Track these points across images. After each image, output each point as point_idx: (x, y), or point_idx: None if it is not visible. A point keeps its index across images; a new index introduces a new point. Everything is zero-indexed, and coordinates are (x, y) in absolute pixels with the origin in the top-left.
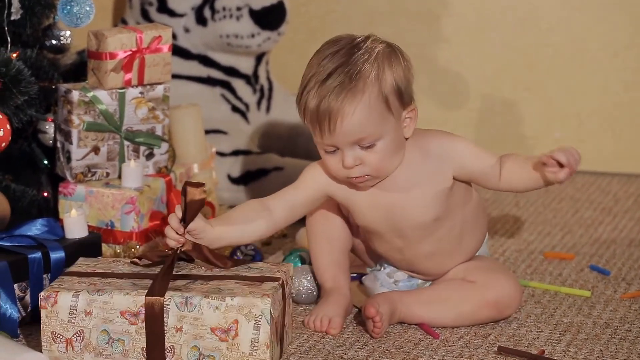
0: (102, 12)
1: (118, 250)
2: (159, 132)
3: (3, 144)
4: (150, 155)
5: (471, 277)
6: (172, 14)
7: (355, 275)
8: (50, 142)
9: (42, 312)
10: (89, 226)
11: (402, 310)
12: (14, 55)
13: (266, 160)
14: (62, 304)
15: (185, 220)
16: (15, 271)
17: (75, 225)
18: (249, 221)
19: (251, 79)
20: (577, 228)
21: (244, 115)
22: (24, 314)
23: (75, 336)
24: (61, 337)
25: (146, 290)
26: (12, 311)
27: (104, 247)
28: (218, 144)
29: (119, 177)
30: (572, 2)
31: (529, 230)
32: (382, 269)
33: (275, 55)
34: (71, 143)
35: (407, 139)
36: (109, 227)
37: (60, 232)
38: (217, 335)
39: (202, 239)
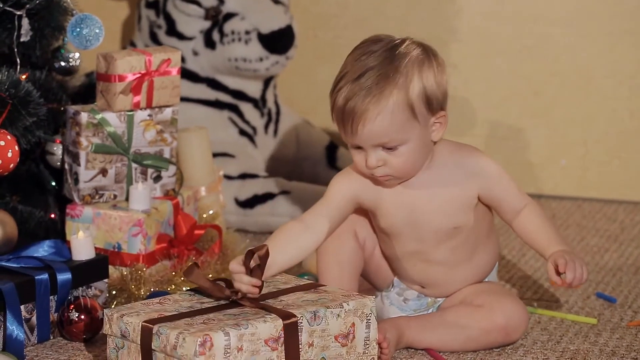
0: (111, 35)
1: (125, 273)
2: (166, 154)
3: (11, 165)
4: (157, 178)
5: (478, 301)
6: (180, 37)
7: None
8: (58, 163)
9: (201, 359)
10: (95, 248)
11: (409, 335)
12: (23, 76)
13: (273, 184)
14: (218, 345)
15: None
16: (21, 292)
17: (82, 247)
18: (294, 244)
19: (259, 103)
20: (583, 255)
21: (251, 138)
22: (30, 335)
23: None
24: None
25: (271, 315)
26: (19, 332)
27: (111, 269)
28: (225, 167)
29: (127, 199)
30: (578, 30)
31: (535, 257)
32: (392, 288)
33: (283, 79)
34: (79, 165)
35: (435, 142)
36: (116, 250)
37: (67, 254)
38: (339, 342)
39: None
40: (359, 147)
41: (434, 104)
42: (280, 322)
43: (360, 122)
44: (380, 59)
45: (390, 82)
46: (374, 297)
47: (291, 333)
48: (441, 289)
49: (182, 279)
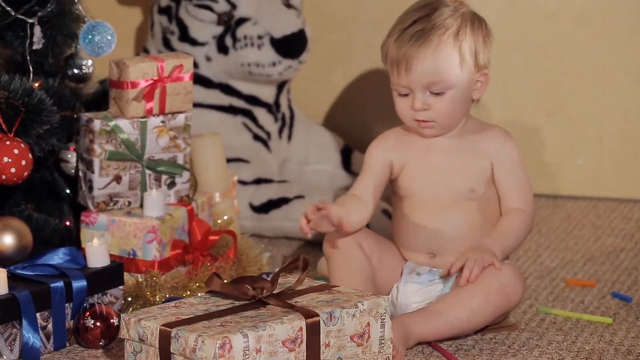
0: (124, 41)
1: (140, 279)
2: (180, 161)
3: (25, 174)
4: (172, 184)
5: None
6: (193, 42)
7: None
8: (73, 171)
9: None
10: (110, 255)
11: (416, 330)
12: (36, 84)
13: (288, 189)
14: (237, 347)
15: None
16: (37, 300)
17: (97, 254)
18: (357, 208)
19: (272, 108)
20: (598, 255)
21: (265, 143)
22: (46, 343)
23: None
24: None
25: (288, 316)
26: (35, 340)
27: (126, 276)
28: (239, 172)
29: (141, 206)
30: (593, 27)
31: (550, 257)
32: (403, 273)
33: (297, 84)
34: (93, 172)
35: (474, 101)
36: (131, 256)
37: (82, 261)
38: (355, 342)
39: (332, 213)
40: (405, 95)
41: (480, 60)
42: (297, 323)
43: (415, 59)
44: (433, 9)
45: (443, 27)
46: (387, 296)
47: (313, 332)
48: (450, 258)
49: (197, 284)
